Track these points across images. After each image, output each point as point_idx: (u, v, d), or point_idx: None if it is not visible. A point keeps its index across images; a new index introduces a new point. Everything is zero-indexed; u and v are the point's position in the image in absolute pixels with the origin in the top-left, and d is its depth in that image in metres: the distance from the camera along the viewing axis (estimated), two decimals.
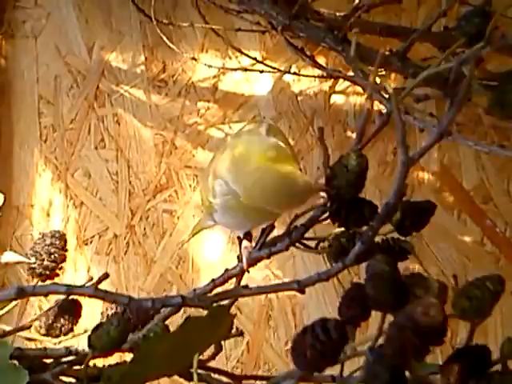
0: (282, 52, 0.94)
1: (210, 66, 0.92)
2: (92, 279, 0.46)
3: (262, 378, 0.50)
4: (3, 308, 0.55)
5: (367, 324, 0.37)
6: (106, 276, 0.45)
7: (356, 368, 0.37)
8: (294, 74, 0.91)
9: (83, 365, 0.44)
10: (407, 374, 0.33)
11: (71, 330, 0.60)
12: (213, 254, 0.94)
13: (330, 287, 0.88)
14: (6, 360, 0.43)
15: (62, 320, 0.59)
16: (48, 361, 0.48)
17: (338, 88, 0.95)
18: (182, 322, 0.36)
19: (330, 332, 0.33)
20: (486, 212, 0.88)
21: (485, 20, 0.41)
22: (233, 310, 0.53)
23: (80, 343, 0.49)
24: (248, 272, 0.49)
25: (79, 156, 1.00)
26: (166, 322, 0.49)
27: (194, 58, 0.94)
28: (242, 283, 0.49)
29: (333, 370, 0.37)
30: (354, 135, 0.93)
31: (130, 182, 0.98)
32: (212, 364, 0.48)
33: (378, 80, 0.58)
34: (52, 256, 0.61)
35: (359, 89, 0.91)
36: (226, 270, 0.50)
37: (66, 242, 0.63)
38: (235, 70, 0.97)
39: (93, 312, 0.65)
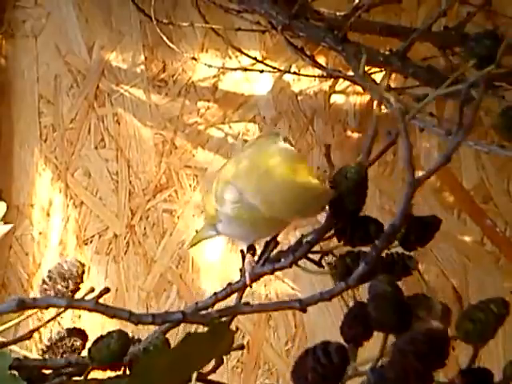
0: (281, 52, 0.94)
1: (209, 66, 0.91)
2: (93, 290, 0.46)
3: None
4: (9, 321, 0.53)
5: (368, 343, 0.37)
6: (106, 290, 0.45)
7: None
8: (294, 73, 0.91)
9: (83, 376, 0.44)
10: None
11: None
12: (213, 253, 0.94)
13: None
14: (5, 370, 0.42)
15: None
16: (47, 372, 0.48)
17: (338, 88, 0.95)
18: (182, 338, 0.35)
19: (332, 355, 0.33)
20: (485, 212, 0.88)
21: (496, 42, 0.41)
22: None
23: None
24: (251, 287, 0.49)
25: (79, 156, 1.00)
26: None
27: (193, 58, 0.94)
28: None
29: None
30: (354, 135, 0.93)
31: (130, 182, 0.98)
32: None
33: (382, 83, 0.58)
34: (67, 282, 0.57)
35: (359, 89, 0.91)
36: (229, 284, 0.50)
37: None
38: (235, 69, 0.97)
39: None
